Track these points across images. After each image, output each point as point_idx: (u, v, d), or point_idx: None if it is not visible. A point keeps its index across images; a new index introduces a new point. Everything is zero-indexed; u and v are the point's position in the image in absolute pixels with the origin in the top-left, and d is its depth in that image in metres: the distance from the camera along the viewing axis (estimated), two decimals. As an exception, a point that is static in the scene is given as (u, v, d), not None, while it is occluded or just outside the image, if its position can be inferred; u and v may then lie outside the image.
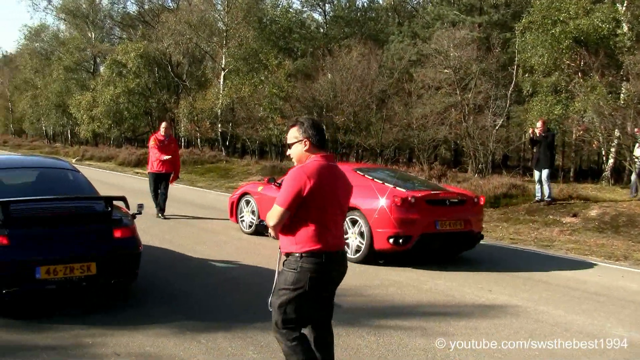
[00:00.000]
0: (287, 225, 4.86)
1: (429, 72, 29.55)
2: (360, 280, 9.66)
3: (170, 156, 15.74)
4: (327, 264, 4.84)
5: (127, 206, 8.29)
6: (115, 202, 8.05)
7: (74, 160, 37.95)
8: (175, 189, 23.40)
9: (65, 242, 7.36)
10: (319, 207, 4.81)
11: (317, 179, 4.76)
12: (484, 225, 12.53)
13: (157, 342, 6.67)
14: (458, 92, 28.35)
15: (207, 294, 8.68)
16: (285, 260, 4.93)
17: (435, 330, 7.27)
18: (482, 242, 11.98)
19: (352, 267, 10.42)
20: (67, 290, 7.43)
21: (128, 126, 46.71)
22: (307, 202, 4.76)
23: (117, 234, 7.70)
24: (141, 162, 34.12)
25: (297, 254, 4.82)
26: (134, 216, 8.43)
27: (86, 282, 7.33)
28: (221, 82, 39.13)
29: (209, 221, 15.66)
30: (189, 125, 40.09)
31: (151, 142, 16.06)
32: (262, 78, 36.38)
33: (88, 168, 30.46)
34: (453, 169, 26.61)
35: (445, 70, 28.78)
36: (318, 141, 4.97)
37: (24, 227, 7.29)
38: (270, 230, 4.93)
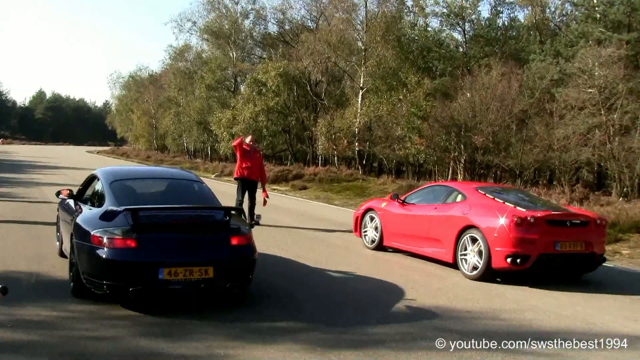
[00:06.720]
0: None
1: (571, 92, 28.35)
2: (496, 304, 9.27)
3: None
4: None
5: (244, 217, 8.99)
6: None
7: (213, 176, 38.96)
8: (311, 206, 23.72)
9: (186, 247, 8.03)
10: None
11: None
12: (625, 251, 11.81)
13: (289, 357, 6.62)
14: (603, 112, 27.08)
15: (322, 304, 8.80)
16: None
17: (576, 360, 6.75)
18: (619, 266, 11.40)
19: (473, 286, 10.20)
20: (188, 292, 8.03)
21: (267, 144, 47.42)
22: None
23: (234, 241, 8.29)
24: (278, 179, 34.65)
25: None
26: (252, 226, 9.03)
27: (204, 284, 7.93)
28: (359, 101, 39.13)
29: (337, 236, 15.70)
30: (326, 143, 40.25)
31: (235, 142, 16.39)
32: (400, 97, 36.15)
33: (227, 184, 31.00)
34: (596, 192, 25.54)
35: (590, 90, 27.58)
36: None
37: (151, 232, 7.99)
38: None
